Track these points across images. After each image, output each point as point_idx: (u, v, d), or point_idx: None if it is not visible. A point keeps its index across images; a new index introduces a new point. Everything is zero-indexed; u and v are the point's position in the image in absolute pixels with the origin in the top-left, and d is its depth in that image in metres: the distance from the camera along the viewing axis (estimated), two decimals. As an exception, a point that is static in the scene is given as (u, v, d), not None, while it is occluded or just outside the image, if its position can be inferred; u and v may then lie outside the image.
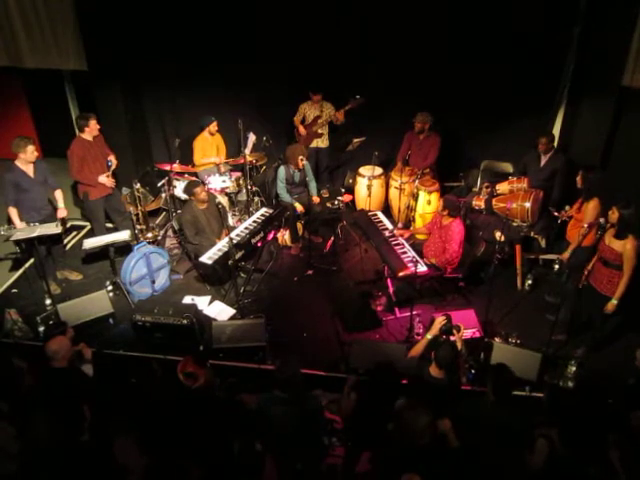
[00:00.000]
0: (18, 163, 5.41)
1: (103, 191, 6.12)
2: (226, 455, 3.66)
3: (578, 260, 4.86)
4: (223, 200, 6.49)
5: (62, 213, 5.74)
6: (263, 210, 6.33)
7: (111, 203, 6.31)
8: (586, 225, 4.61)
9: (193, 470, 3.24)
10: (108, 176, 6.03)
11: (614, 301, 4.47)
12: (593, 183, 5.03)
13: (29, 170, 5.46)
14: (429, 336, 4.22)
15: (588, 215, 4.97)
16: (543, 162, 6.04)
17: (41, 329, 5.21)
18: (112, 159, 6.07)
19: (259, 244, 5.96)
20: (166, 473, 3.12)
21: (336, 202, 6.94)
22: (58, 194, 5.78)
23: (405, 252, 5.37)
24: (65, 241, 6.59)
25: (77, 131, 6.02)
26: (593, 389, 4.06)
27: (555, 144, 6.18)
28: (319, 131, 7.27)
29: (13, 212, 5.43)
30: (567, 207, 5.43)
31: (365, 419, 3.75)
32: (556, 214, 5.52)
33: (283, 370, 3.60)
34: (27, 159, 5.37)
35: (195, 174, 7.07)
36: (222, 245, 5.59)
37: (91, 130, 5.88)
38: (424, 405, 3.21)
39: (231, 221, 6.69)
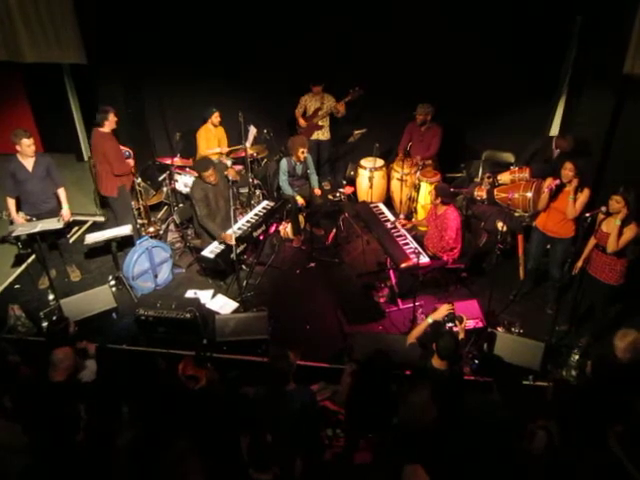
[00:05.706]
0: (18, 155, 5.42)
1: (130, 179, 6.22)
2: (231, 449, 3.66)
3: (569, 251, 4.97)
4: (231, 173, 6.24)
5: (67, 216, 5.71)
6: (265, 203, 6.32)
7: None
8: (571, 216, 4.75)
9: (197, 463, 3.23)
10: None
11: None
12: (584, 171, 4.91)
13: (28, 163, 5.45)
14: (430, 320, 4.21)
15: (582, 204, 4.85)
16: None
17: (44, 324, 5.23)
18: (126, 149, 6.10)
19: (261, 237, 5.96)
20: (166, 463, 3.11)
21: (338, 194, 6.92)
22: (61, 192, 5.76)
23: (407, 243, 5.37)
24: (68, 235, 6.58)
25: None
26: (596, 380, 4.03)
27: (557, 132, 6.15)
28: (320, 123, 7.24)
29: (11, 203, 5.49)
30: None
31: (362, 406, 3.75)
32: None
33: (276, 361, 3.59)
34: (22, 152, 5.37)
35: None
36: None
37: (110, 123, 5.88)
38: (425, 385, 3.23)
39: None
